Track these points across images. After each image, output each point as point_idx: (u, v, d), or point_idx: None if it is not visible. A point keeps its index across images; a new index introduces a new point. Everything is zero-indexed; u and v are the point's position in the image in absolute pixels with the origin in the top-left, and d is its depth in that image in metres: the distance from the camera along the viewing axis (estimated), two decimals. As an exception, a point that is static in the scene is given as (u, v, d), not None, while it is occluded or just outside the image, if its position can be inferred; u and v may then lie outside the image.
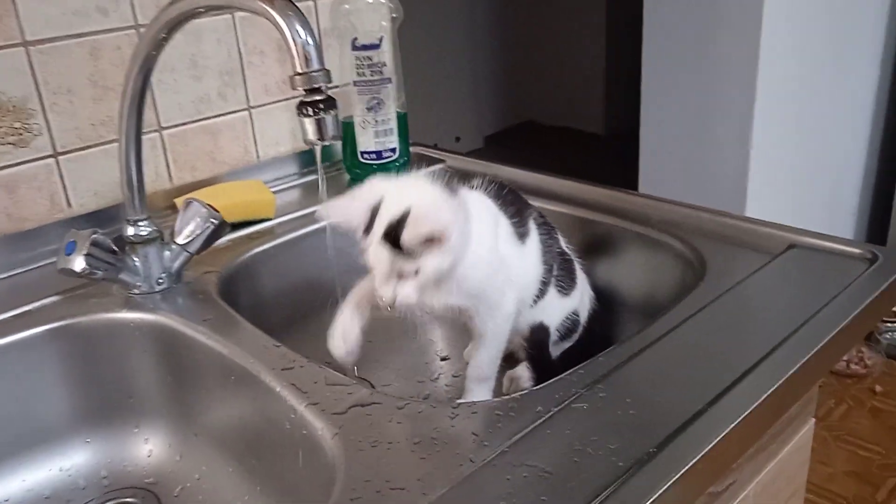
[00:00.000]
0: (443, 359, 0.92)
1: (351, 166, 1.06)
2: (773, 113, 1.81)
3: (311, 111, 0.57)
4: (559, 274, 0.77)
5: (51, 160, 0.87)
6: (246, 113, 1.02)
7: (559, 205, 0.92)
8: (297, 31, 0.55)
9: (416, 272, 0.61)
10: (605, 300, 0.86)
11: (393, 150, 1.04)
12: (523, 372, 0.81)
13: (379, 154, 1.03)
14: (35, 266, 0.85)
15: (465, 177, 0.74)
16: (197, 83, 0.96)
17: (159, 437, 0.79)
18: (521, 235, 0.72)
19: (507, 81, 4.05)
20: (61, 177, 0.88)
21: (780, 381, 0.56)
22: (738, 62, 1.74)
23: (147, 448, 0.78)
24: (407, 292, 0.62)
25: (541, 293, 0.75)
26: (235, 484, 0.72)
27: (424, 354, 0.94)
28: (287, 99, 1.05)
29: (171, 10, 0.62)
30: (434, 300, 0.66)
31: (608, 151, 3.76)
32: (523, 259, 0.73)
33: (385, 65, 0.98)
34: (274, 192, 1.01)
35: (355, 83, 0.99)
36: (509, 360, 0.84)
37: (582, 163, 3.65)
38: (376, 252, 0.62)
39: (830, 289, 0.69)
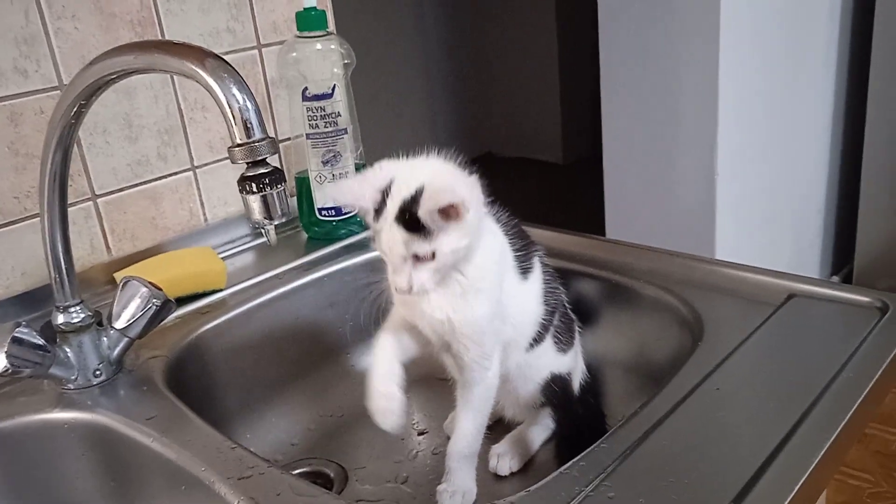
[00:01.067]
0: (420, 433, 0.84)
1: (308, 224, 0.98)
2: (737, 137, 1.78)
3: (255, 187, 0.49)
4: (559, 326, 0.73)
5: (-32, 240, 0.77)
6: (190, 173, 0.93)
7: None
8: (234, 95, 0.47)
9: (433, 255, 0.57)
10: (594, 362, 0.79)
11: (353, 204, 0.96)
12: (526, 432, 0.76)
13: (338, 210, 0.96)
14: (-46, 361, 0.75)
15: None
16: (132, 144, 0.87)
17: (104, 551, 0.69)
18: (524, 270, 0.69)
19: (462, 115, 4.01)
20: (-18, 257, 0.79)
21: (812, 467, 0.49)
22: (699, 85, 1.72)
23: (91, 564, 0.69)
24: (423, 278, 0.58)
25: (539, 337, 0.70)
26: None
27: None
28: (235, 155, 0.97)
29: (86, 75, 0.54)
30: (437, 311, 0.62)
31: (568, 180, 3.74)
32: (522, 294, 0.69)
33: (339, 115, 0.91)
34: (225, 258, 0.93)
35: (308, 136, 0.92)
36: (496, 429, 0.77)
37: (542, 193, 3.62)
38: (390, 235, 0.57)
39: (844, 346, 0.63)
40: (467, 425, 0.67)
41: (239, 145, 0.48)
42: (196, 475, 0.59)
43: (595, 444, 0.55)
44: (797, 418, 0.54)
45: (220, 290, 0.85)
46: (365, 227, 0.98)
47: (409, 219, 0.56)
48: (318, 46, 0.90)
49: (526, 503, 0.51)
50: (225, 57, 0.92)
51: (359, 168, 0.97)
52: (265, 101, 0.99)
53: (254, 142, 0.48)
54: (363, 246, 0.92)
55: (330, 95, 0.90)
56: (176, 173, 0.92)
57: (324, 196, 0.95)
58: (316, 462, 0.81)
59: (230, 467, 0.58)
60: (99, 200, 0.86)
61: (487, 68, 3.96)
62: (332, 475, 0.79)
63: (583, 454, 0.54)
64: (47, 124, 0.61)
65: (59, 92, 0.80)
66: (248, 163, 0.49)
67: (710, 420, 0.56)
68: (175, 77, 0.90)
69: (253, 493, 0.55)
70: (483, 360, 0.65)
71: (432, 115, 3.85)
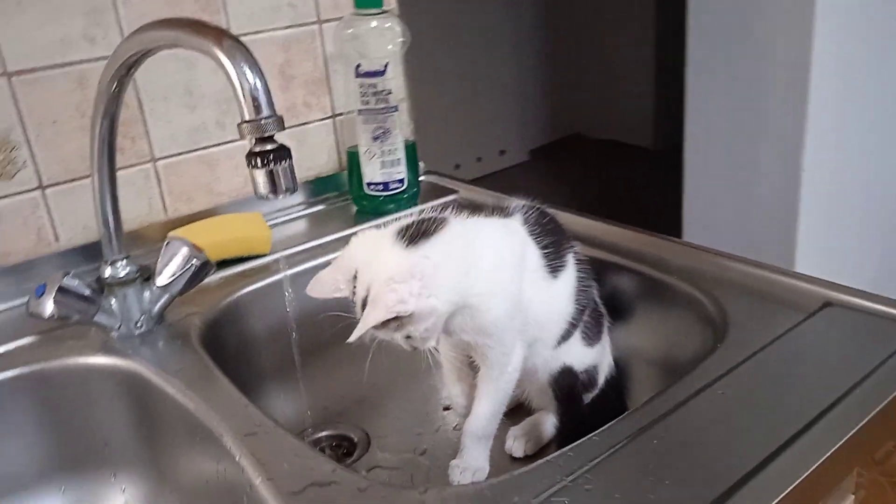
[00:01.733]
0: (445, 409, 0.86)
1: (357, 197, 1.01)
2: (828, 131, 1.69)
3: (260, 162, 0.51)
4: (587, 322, 0.73)
5: (37, 193, 0.84)
6: (246, 142, 0.97)
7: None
8: (245, 74, 0.49)
9: (408, 337, 0.60)
10: (623, 356, 0.78)
11: (400, 181, 0.98)
12: (544, 419, 0.77)
13: (386, 185, 0.98)
14: (19, 302, 0.81)
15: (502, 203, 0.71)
16: (191, 112, 0.91)
17: (136, 487, 0.75)
18: (554, 269, 0.68)
19: (553, 93, 3.95)
20: (48, 210, 0.85)
21: (797, 482, 0.48)
22: (788, 77, 1.64)
23: (124, 498, 0.75)
24: (419, 342, 0.61)
25: (566, 334, 0.71)
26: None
27: (427, 402, 0.88)
28: (291, 126, 1.00)
29: (122, 49, 0.58)
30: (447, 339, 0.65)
31: (656, 166, 3.64)
32: (550, 295, 0.68)
33: (390, 92, 0.93)
34: (275, 225, 0.97)
35: (360, 111, 0.94)
36: (517, 412, 0.77)
37: (629, 177, 3.54)
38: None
39: (871, 357, 0.60)
40: (483, 410, 0.68)
41: (247, 122, 0.50)
42: (209, 427, 0.62)
43: (586, 437, 0.55)
44: (796, 430, 0.52)
45: (265, 255, 0.89)
46: (411, 205, 1.00)
47: None
48: (374, 24, 0.92)
49: (504, 487, 0.51)
50: (285, 32, 0.97)
51: (408, 146, 0.98)
52: (323, 75, 1.01)
53: (261, 119, 0.50)
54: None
55: (382, 73, 0.92)
56: (232, 141, 0.96)
57: (373, 171, 0.97)
58: (342, 426, 0.84)
59: (240, 423, 0.61)
60: (158, 163, 0.91)
61: (580, 46, 3.88)
62: (355, 440, 0.82)
63: (572, 445, 0.54)
64: (94, 100, 0.65)
65: (124, 59, 0.85)
66: (255, 139, 0.51)
67: (706, 424, 0.55)
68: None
69: (255, 449, 0.58)
70: (503, 357, 0.65)
71: (521, 93, 3.81)
